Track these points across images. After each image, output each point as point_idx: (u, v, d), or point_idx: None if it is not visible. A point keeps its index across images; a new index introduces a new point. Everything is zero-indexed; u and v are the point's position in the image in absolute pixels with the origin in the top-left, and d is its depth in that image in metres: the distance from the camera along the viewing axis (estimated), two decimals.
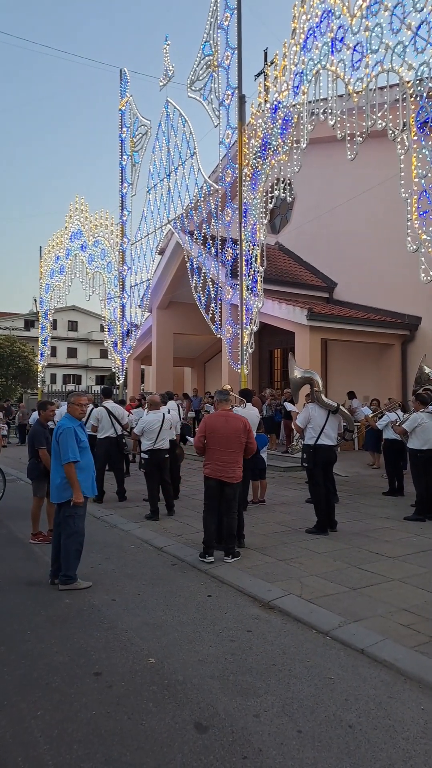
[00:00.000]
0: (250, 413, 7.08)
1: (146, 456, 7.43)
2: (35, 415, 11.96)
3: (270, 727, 2.82)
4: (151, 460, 7.39)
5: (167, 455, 7.57)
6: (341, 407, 6.70)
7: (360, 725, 2.86)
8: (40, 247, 21.63)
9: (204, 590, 4.79)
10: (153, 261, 16.22)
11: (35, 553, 5.96)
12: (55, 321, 22.14)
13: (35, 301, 47.73)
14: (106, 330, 18.61)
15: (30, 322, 48.04)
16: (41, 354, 22.43)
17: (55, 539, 4.97)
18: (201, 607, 4.39)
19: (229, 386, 12.01)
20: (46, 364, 22.67)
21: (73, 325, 52.52)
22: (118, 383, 17.92)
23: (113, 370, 18.43)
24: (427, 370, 8.01)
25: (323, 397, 6.61)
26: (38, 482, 6.45)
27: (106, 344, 18.78)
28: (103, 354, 48.30)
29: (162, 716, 2.90)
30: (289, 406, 10.67)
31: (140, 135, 16.83)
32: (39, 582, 4.99)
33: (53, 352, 41.66)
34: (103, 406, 8.70)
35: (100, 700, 3.04)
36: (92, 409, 8.93)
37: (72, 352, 51.81)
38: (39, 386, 23.73)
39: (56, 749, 2.63)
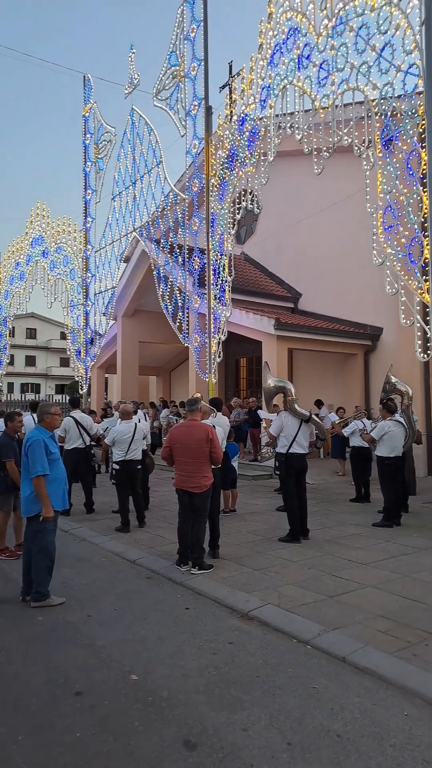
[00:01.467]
0: (221, 422, 7.09)
1: (117, 467, 7.31)
2: None
3: (259, 741, 2.80)
4: (123, 471, 7.27)
5: (139, 466, 7.46)
6: (314, 416, 6.79)
7: (347, 734, 2.87)
8: None
9: (181, 603, 4.73)
10: (118, 269, 16.10)
11: (2, 569, 5.75)
12: (12, 328, 21.53)
13: None
14: (69, 338, 18.30)
15: None
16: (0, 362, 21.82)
17: (26, 555, 4.81)
18: (179, 620, 4.33)
19: (199, 394, 12.01)
20: (4, 372, 22.05)
21: (31, 333, 51.33)
22: (81, 392, 17.60)
23: (76, 378, 18.11)
24: (393, 379, 8.23)
25: (296, 406, 6.69)
26: (4, 496, 6.23)
27: (68, 352, 18.46)
28: (64, 362, 47.36)
29: (149, 735, 2.83)
30: (262, 414, 10.73)
31: (105, 142, 16.73)
32: (8, 599, 4.81)
33: (11, 360, 40.55)
34: (71, 416, 8.52)
35: (84, 722, 2.95)
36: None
37: (30, 361, 50.61)
38: None
39: None
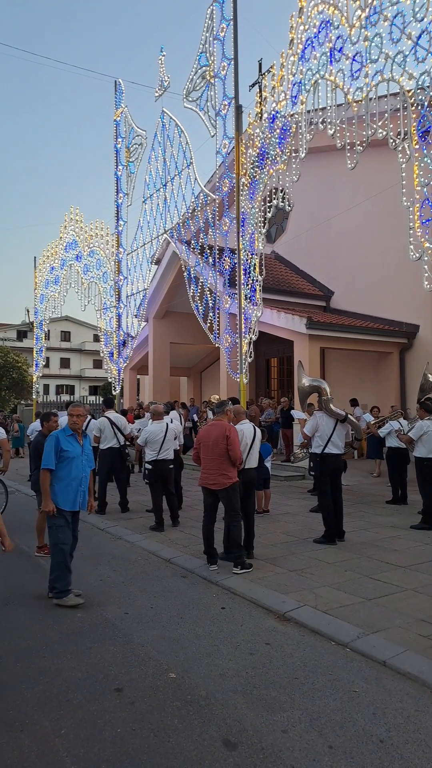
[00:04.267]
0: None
1: (150, 466, 7.35)
2: (33, 426, 11.88)
3: (300, 743, 2.75)
4: (155, 471, 7.30)
5: (171, 465, 7.49)
6: (349, 416, 6.68)
7: (391, 740, 2.80)
8: (35, 257, 21.58)
9: (217, 602, 4.71)
10: (149, 271, 16.22)
11: (42, 566, 5.83)
12: (48, 331, 21.98)
13: (28, 311, 47.53)
14: (102, 340, 18.54)
15: (23, 333, 47.79)
16: (36, 364, 22.27)
17: None
18: (216, 620, 4.32)
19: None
20: (40, 374, 22.51)
21: (66, 336, 52.35)
22: (114, 393, 17.81)
23: (109, 380, 18.33)
24: (431, 378, 8.01)
25: (331, 405, 6.59)
26: (41, 494, 6.33)
27: (102, 354, 18.68)
28: (97, 364, 48.07)
29: (189, 733, 2.82)
30: (296, 414, 10.62)
31: (136, 145, 16.88)
32: (48, 596, 4.88)
33: (46, 362, 41.41)
34: (106, 417, 8.61)
35: (124, 717, 2.96)
36: (89, 420, 8.85)
37: (65, 363, 51.59)
38: (34, 397, 23.55)
39: None
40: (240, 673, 3.47)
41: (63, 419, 9.74)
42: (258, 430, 6.34)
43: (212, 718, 2.96)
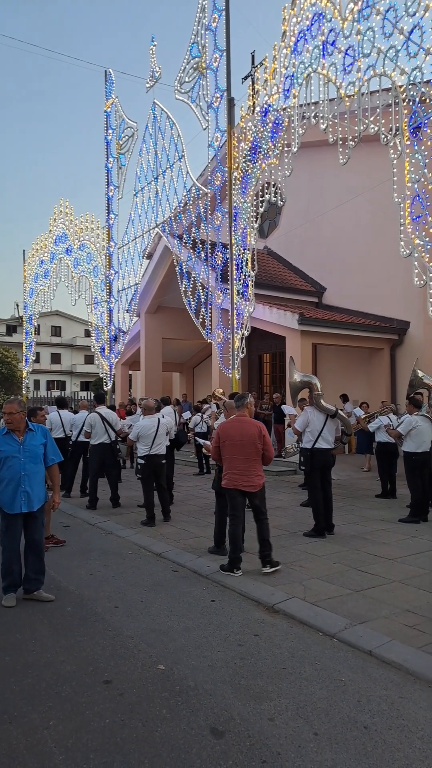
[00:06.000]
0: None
1: (142, 461, 7.36)
2: None
3: (286, 730, 2.80)
4: (148, 466, 7.32)
5: (164, 461, 7.51)
6: (340, 411, 6.73)
7: (375, 726, 2.85)
8: (24, 250, 21.42)
9: (207, 595, 4.74)
10: (141, 265, 16.17)
11: None
12: (38, 326, 21.80)
13: (17, 305, 47.21)
14: (93, 335, 18.47)
15: (12, 327, 47.45)
16: (26, 360, 22.13)
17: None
18: (206, 612, 4.35)
19: (221, 390, 12.00)
20: (30, 370, 22.39)
21: (56, 330, 52.04)
22: (106, 389, 17.77)
23: (101, 375, 18.28)
24: (420, 373, 8.08)
25: (322, 401, 6.63)
26: None
27: (93, 349, 18.61)
28: (88, 359, 47.89)
29: (177, 723, 2.85)
30: (287, 409, 10.67)
31: (126, 137, 16.76)
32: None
33: (36, 357, 41.16)
34: (97, 412, 8.61)
35: (113, 709, 2.98)
36: (87, 415, 8.87)
37: (56, 358, 51.30)
38: (24, 392, 23.43)
39: (72, 759, 2.57)
40: (228, 663, 3.51)
41: (53, 415, 9.76)
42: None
43: (200, 708, 2.99)
